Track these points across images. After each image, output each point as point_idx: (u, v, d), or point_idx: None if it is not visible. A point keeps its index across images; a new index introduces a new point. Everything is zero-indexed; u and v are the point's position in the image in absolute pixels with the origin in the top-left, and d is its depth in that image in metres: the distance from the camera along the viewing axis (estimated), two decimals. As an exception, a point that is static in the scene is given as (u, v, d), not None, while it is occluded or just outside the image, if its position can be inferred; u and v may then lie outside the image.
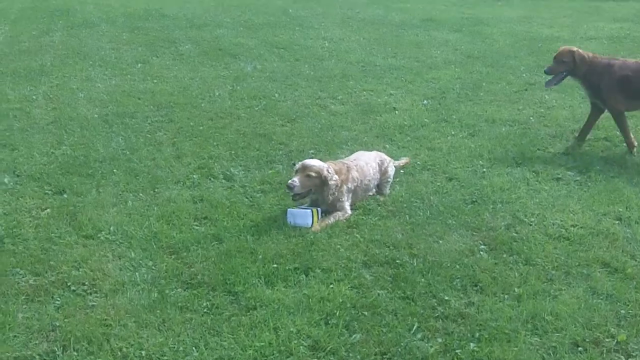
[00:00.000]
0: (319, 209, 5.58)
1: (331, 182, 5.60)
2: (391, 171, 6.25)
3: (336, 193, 5.66)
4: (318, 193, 5.64)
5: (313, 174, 5.55)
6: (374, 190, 6.12)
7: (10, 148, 6.89)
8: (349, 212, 5.73)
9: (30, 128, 7.45)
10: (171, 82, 9.32)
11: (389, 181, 6.21)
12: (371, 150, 6.51)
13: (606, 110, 7.30)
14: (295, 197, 5.57)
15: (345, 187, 5.74)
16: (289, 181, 5.52)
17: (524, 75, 10.18)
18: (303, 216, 5.48)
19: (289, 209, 5.57)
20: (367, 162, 6.07)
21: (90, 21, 13.03)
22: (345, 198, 5.76)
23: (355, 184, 5.83)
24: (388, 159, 6.34)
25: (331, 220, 5.57)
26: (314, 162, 5.67)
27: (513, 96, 9.16)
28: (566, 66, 7.17)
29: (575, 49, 7.22)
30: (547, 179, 6.52)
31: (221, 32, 12.47)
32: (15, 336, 4.13)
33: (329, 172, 5.61)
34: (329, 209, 5.69)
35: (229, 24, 13.25)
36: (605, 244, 5.33)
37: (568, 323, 4.36)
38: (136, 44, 11.43)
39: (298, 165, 5.65)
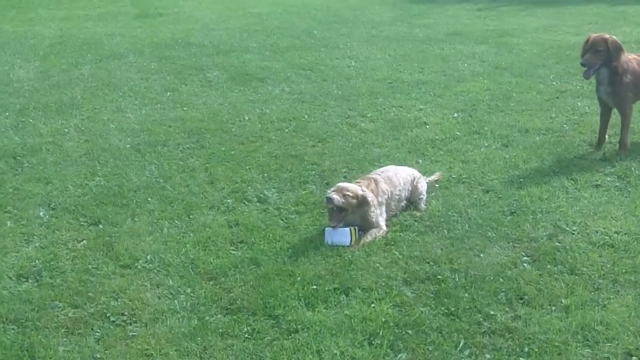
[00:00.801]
0: (356, 227, 5.48)
1: (369, 199, 5.52)
2: (422, 187, 6.13)
3: (376, 211, 5.57)
4: (357, 214, 5.54)
5: (350, 194, 5.47)
6: (405, 202, 6.00)
7: (44, 182, 6.89)
8: (385, 227, 5.63)
9: (63, 161, 7.45)
10: (201, 109, 9.31)
11: (422, 197, 6.10)
12: (402, 166, 6.42)
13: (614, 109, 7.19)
14: (333, 219, 5.45)
15: (376, 200, 5.65)
16: (328, 195, 5.44)
17: (554, 83, 10.02)
18: (341, 235, 5.39)
19: (326, 229, 5.48)
20: (396, 172, 5.99)
21: (118, 53, 13.10)
22: (379, 212, 5.66)
23: (386, 196, 5.74)
24: (418, 174, 6.23)
25: (369, 238, 5.47)
26: (348, 184, 5.62)
27: (545, 104, 9.00)
28: (601, 55, 6.87)
29: (607, 36, 6.97)
30: (586, 186, 6.37)
31: (248, 57, 12.46)
32: (57, 370, 4.08)
33: (364, 191, 5.54)
34: (365, 227, 5.59)
35: (255, 49, 13.25)
36: (652, 250, 5.17)
37: (619, 332, 4.23)
38: (164, 72, 11.45)
39: (333, 188, 5.57)
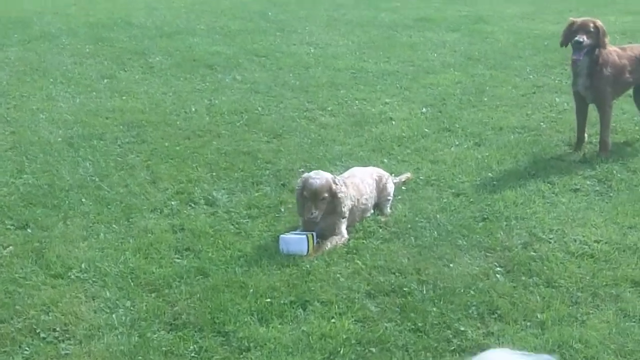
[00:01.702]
0: (313, 233, 5.52)
1: (339, 195, 5.60)
2: (390, 188, 6.22)
3: (345, 206, 5.65)
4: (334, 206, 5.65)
5: (326, 195, 5.55)
6: (372, 210, 6.07)
7: (-35, 179, 6.80)
8: (346, 235, 5.68)
9: (-14, 155, 7.37)
10: (142, 99, 9.26)
11: (389, 199, 6.17)
12: (367, 166, 6.48)
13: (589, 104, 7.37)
14: (307, 210, 5.56)
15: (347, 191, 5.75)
16: (311, 215, 5.50)
17: (531, 76, 10.19)
18: (297, 243, 5.42)
19: (281, 236, 5.51)
20: (363, 179, 6.03)
21: (49, 33, 12.96)
22: (342, 220, 5.71)
23: (352, 202, 5.78)
24: (386, 174, 6.31)
25: (328, 245, 5.51)
26: (320, 180, 5.60)
27: (520, 100, 9.15)
28: (592, 37, 6.97)
29: (594, 19, 7.11)
30: (564, 190, 6.50)
31: (195, 41, 12.43)
32: (-21, 393, 4.04)
33: (335, 184, 5.62)
34: (324, 233, 5.63)
35: (203, 32, 13.22)
36: (634, 261, 5.31)
37: (599, 350, 4.33)
38: (101, 57, 11.36)
39: (306, 193, 5.57)
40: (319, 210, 5.53)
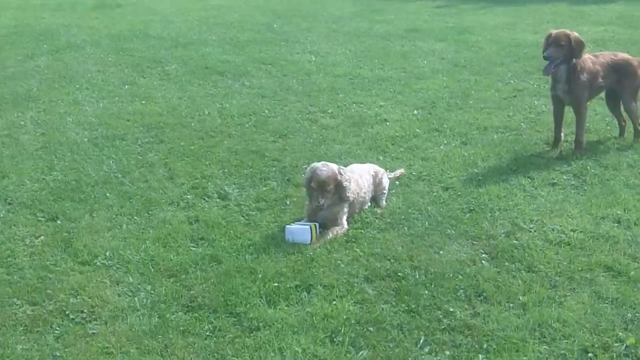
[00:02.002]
0: (317, 224, 5.52)
1: (344, 184, 5.61)
2: (386, 182, 6.21)
3: (351, 192, 5.66)
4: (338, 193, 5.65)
5: (332, 186, 5.54)
6: (369, 203, 6.06)
7: (0, 176, 6.78)
8: (346, 226, 5.67)
9: (19, 154, 7.35)
10: (159, 103, 9.24)
11: (385, 193, 6.17)
12: (365, 163, 6.48)
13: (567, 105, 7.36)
14: (314, 199, 5.57)
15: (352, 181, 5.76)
16: (319, 203, 5.49)
17: (512, 81, 10.16)
18: (302, 233, 5.41)
19: (286, 226, 5.50)
20: (362, 175, 6.02)
21: (74, 44, 12.92)
22: (344, 211, 5.70)
23: (353, 195, 5.77)
24: (382, 170, 6.30)
25: (329, 235, 5.51)
26: (327, 171, 5.58)
27: (502, 103, 9.13)
28: (563, 51, 6.96)
29: (570, 31, 7.07)
30: (543, 184, 6.49)
31: (207, 50, 12.40)
32: (15, 369, 4.04)
33: (341, 174, 5.61)
34: (326, 224, 5.62)
35: (215, 42, 13.18)
36: (607, 248, 5.30)
37: (575, 329, 4.33)
38: (122, 65, 11.34)
39: (313, 183, 5.56)
40: (325, 198, 5.52)
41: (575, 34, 7.05)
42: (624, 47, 11.38)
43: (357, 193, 5.82)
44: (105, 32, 14.21)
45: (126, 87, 10.06)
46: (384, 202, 6.12)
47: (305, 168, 6.72)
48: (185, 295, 4.74)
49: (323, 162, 5.72)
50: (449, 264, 5.09)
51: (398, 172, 6.62)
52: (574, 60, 6.98)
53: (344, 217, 5.69)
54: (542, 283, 4.83)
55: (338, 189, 5.60)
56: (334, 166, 5.67)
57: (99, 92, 9.81)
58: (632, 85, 7.37)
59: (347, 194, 5.64)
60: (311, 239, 5.41)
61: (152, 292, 4.79)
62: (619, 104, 7.55)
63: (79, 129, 8.20)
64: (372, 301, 4.65)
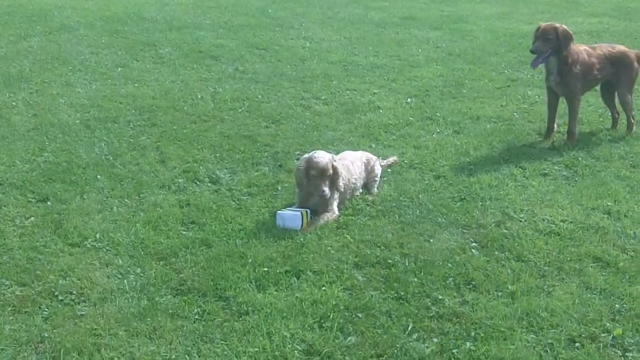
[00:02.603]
0: (308, 210, 5.51)
1: (340, 170, 5.63)
2: (378, 170, 6.21)
3: (343, 180, 5.66)
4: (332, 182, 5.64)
5: (330, 172, 5.54)
6: (360, 189, 6.06)
7: (-10, 156, 6.75)
8: (337, 212, 5.66)
9: (10, 135, 7.30)
10: (152, 86, 9.20)
11: (377, 180, 6.17)
12: (357, 150, 6.47)
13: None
14: (317, 188, 5.53)
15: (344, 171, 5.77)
16: (323, 193, 5.48)
17: (506, 71, 10.17)
18: (293, 219, 5.41)
19: (278, 212, 5.50)
20: (353, 161, 6.02)
21: (68, 25, 12.84)
22: (334, 198, 5.69)
23: (344, 182, 5.76)
24: (374, 157, 6.30)
25: (320, 221, 5.50)
26: (324, 159, 5.56)
27: (496, 92, 9.13)
28: (551, 44, 6.96)
29: (558, 24, 7.06)
30: (534, 174, 6.50)
31: (201, 34, 12.34)
32: (2, 349, 4.03)
33: (335, 161, 5.64)
34: (317, 210, 5.62)
35: (209, 26, 13.12)
36: (596, 238, 5.32)
37: (563, 319, 4.34)
38: (115, 47, 11.27)
39: (314, 172, 5.52)
40: (327, 187, 5.52)
41: (564, 26, 7.04)
42: (619, 39, 11.42)
43: (348, 179, 5.82)
44: (99, 14, 14.13)
45: (119, 69, 10.01)
46: (375, 189, 6.12)
47: (298, 154, 6.73)
48: (174, 278, 4.73)
49: (316, 151, 5.71)
50: (438, 252, 5.09)
51: (391, 159, 6.62)
52: (563, 52, 6.98)
53: (335, 204, 5.69)
54: (531, 272, 4.84)
55: (333, 176, 5.60)
56: (327, 154, 5.66)
57: (91, 74, 9.76)
58: (629, 78, 7.38)
59: (340, 183, 5.64)
60: (302, 225, 5.40)
61: (141, 274, 4.78)
62: (614, 95, 7.56)
63: (71, 110, 8.15)
64: (362, 287, 4.65)
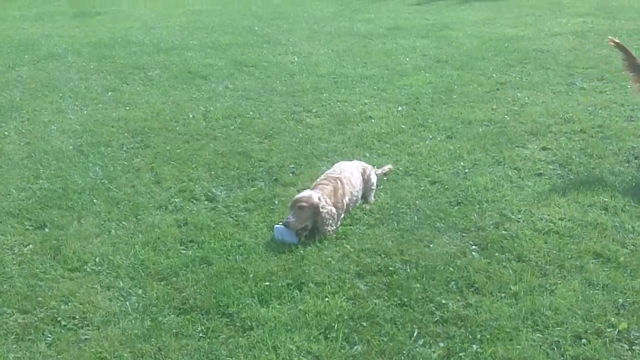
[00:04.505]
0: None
1: (322, 211, 5.41)
2: (374, 179, 6.21)
3: (330, 221, 5.46)
4: (318, 223, 5.44)
5: (304, 204, 5.39)
6: (360, 200, 6.06)
7: (-15, 186, 6.71)
8: (334, 226, 5.55)
9: (4, 164, 7.27)
10: (143, 108, 9.19)
11: (373, 189, 6.16)
12: (352, 160, 6.47)
13: None
14: (298, 233, 5.37)
15: (343, 202, 5.70)
16: (286, 220, 5.36)
17: (494, 75, 10.19)
18: (291, 233, 5.37)
19: (275, 226, 5.47)
20: (352, 173, 6.02)
21: (56, 53, 12.83)
22: (341, 212, 5.65)
23: (347, 197, 5.76)
24: (369, 166, 6.30)
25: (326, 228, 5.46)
26: (304, 193, 5.54)
27: (486, 96, 9.14)
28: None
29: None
30: (529, 175, 6.50)
31: (189, 55, 12.35)
32: (7, 377, 3.99)
33: (320, 200, 5.45)
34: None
35: (196, 46, 13.14)
36: (595, 235, 5.31)
37: (568, 316, 4.33)
38: (104, 72, 11.27)
39: (290, 202, 5.53)
40: (296, 218, 5.33)
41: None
42: (604, 37, 11.46)
43: (351, 192, 5.82)
44: (86, 40, 14.13)
45: (109, 93, 9.99)
46: (372, 198, 6.11)
47: (293, 168, 6.73)
48: (176, 297, 4.71)
49: (307, 191, 5.60)
50: (439, 256, 5.08)
51: (386, 168, 6.62)
52: None
53: (339, 221, 5.66)
54: (533, 272, 4.83)
55: (315, 216, 5.43)
56: (315, 193, 5.53)
57: (82, 99, 9.74)
58: None
59: (326, 227, 5.44)
60: (299, 239, 5.37)
61: (143, 295, 4.75)
62: None
63: (64, 137, 8.13)
64: (364, 296, 4.63)
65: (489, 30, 13.72)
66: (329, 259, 5.10)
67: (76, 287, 4.87)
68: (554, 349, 4.06)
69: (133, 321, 4.46)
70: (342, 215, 5.70)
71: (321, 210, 5.40)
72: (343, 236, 5.45)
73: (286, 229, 5.39)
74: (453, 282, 4.74)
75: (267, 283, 4.79)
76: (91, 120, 8.75)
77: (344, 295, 4.65)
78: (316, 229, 5.46)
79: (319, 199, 5.46)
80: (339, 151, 7.26)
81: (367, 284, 4.79)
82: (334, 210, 5.50)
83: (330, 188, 5.68)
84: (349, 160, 6.49)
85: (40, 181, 6.79)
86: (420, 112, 8.55)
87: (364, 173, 6.12)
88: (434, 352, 4.07)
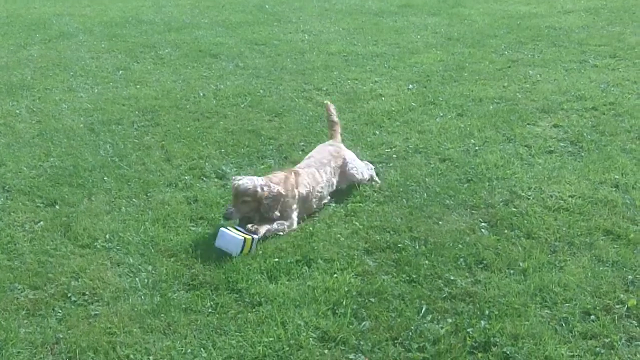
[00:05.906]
0: (255, 237, 4.98)
1: (264, 202, 5.19)
2: (355, 168, 5.87)
3: (276, 208, 5.24)
4: (261, 211, 5.23)
5: (248, 199, 5.17)
6: (329, 197, 5.73)
7: (-3, 164, 6.75)
8: (295, 225, 5.33)
9: (16, 142, 7.30)
10: (154, 87, 9.18)
11: (360, 170, 5.90)
12: (338, 144, 6.07)
13: None
14: (231, 211, 5.17)
15: (295, 192, 5.39)
16: (226, 211, 5.20)
17: (506, 52, 10.12)
18: (233, 243, 4.91)
19: (221, 229, 5.02)
20: (319, 167, 5.69)
21: (67, 32, 12.82)
22: (292, 208, 5.36)
23: (306, 189, 5.46)
24: (348, 154, 5.96)
25: (274, 227, 5.20)
26: (247, 184, 5.19)
27: (497, 74, 9.08)
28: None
29: None
30: (539, 152, 6.47)
31: (200, 34, 12.32)
32: (18, 352, 4.03)
33: (262, 190, 5.20)
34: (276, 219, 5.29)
35: (207, 25, 13.10)
36: (605, 212, 5.29)
37: (577, 293, 4.32)
38: (115, 51, 11.26)
39: (232, 191, 5.27)
40: (237, 210, 5.16)
41: None
42: (617, 15, 11.36)
43: (313, 187, 5.53)
44: (97, 19, 14.11)
45: (120, 72, 9.99)
46: (375, 177, 5.96)
47: (303, 146, 6.72)
48: (186, 274, 4.72)
49: (247, 177, 5.36)
50: (448, 233, 5.07)
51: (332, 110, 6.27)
52: None
53: (294, 214, 5.37)
54: (542, 249, 4.82)
55: (259, 204, 5.22)
56: (257, 182, 5.24)
57: (93, 78, 9.74)
58: None
59: (270, 213, 5.21)
60: (241, 252, 4.90)
61: (153, 272, 4.77)
62: None
63: (75, 115, 8.14)
64: (373, 273, 4.64)
65: (501, 7, 13.60)
66: (338, 235, 5.11)
67: (86, 263, 4.89)
68: (562, 325, 4.05)
69: (143, 297, 4.48)
70: (296, 207, 5.37)
71: (264, 201, 5.19)
72: (352, 213, 5.45)
73: (230, 237, 4.95)
74: (462, 259, 4.73)
75: (276, 259, 4.80)
76: (102, 98, 8.76)
77: (352, 271, 4.66)
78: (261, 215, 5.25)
79: (262, 189, 5.21)
80: (349, 129, 7.23)
81: (375, 260, 4.79)
82: (281, 192, 5.25)
83: (281, 176, 5.41)
84: (356, 138, 6.41)
85: (51, 159, 6.81)
86: (431, 89, 8.50)
87: (342, 165, 5.82)
88: (442, 327, 4.07)
